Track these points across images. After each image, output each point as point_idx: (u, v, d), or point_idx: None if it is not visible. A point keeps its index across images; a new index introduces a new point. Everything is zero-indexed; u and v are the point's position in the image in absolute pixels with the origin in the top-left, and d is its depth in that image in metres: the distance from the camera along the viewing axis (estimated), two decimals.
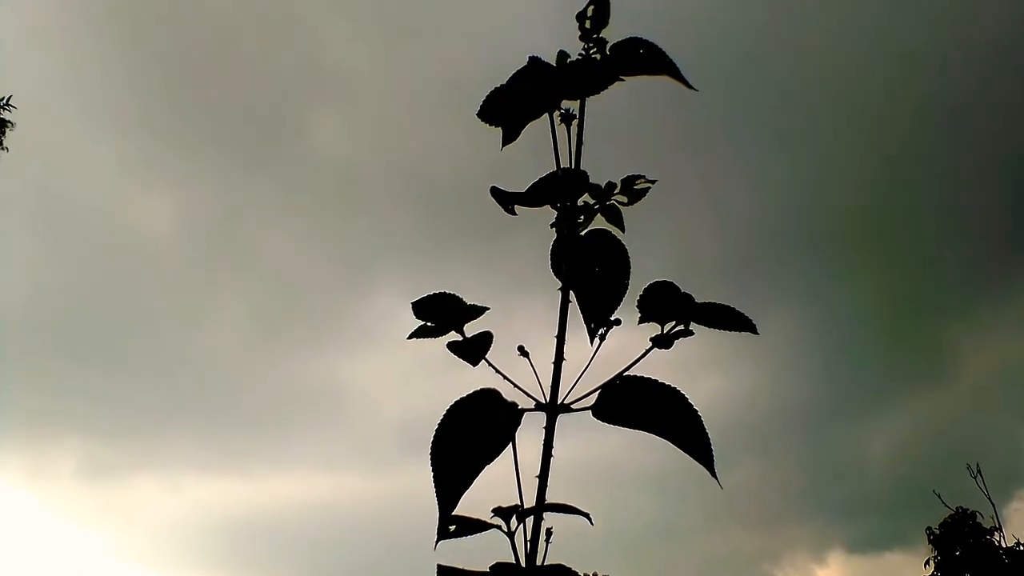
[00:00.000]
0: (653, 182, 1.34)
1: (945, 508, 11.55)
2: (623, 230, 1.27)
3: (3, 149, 8.90)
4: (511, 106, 1.16)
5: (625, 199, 1.30)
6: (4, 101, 8.80)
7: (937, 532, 11.62)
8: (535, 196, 1.15)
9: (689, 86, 1.27)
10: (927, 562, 11.62)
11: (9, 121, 8.86)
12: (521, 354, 1.18)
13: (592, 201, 1.27)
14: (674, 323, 1.17)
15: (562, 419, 1.13)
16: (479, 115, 1.16)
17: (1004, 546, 11.30)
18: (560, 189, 1.16)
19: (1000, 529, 11.39)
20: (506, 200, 1.14)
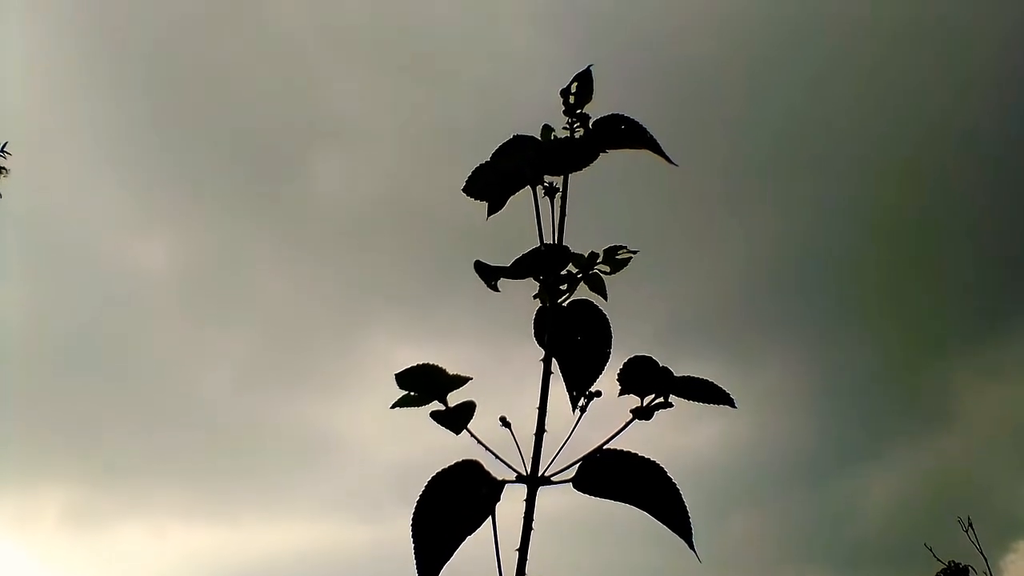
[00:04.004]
0: (635, 252, 1.36)
1: (940, 562, 11.48)
2: (606, 299, 1.29)
3: None
4: (495, 182, 1.19)
5: (608, 268, 1.32)
6: (0, 148, 8.82)
7: None
8: (518, 270, 1.17)
9: (670, 161, 1.30)
10: None
11: (4, 167, 8.88)
12: (503, 425, 1.19)
13: (575, 270, 1.29)
14: (654, 396, 1.18)
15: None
16: (464, 191, 1.19)
17: None
18: (543, 264, 1.18)
19: None
20: (489, 275, 1.16)
